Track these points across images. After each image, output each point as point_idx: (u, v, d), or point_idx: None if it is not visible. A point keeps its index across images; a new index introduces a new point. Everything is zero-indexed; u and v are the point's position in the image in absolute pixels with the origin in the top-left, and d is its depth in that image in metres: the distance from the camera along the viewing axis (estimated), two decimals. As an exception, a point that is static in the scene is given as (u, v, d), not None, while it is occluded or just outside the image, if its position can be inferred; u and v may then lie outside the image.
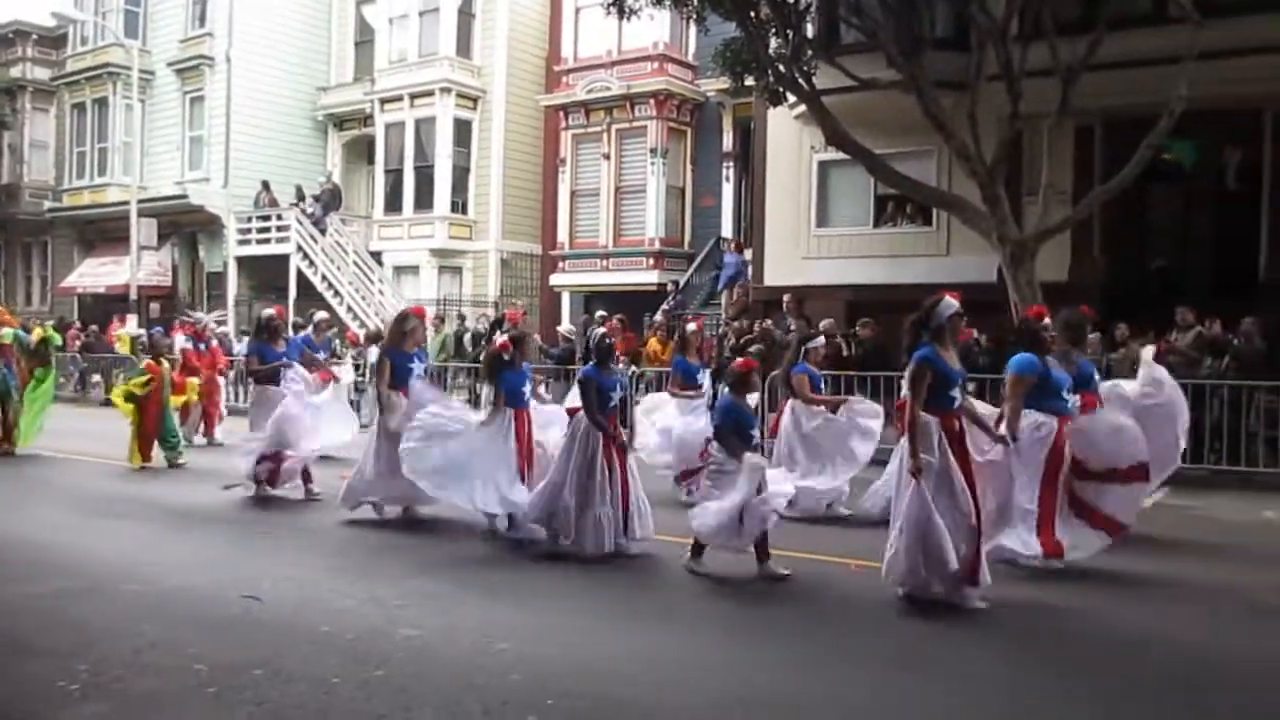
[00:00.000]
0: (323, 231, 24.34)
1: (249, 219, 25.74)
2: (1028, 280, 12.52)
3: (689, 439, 8.98)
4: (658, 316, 17.28)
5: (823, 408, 8.93)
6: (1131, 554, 6.97)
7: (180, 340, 14.40)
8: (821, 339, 9.39)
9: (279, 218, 24.93)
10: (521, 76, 25.07)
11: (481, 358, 9.68)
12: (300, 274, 24.09)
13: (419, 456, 7.57)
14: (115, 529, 8.24)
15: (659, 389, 14.09)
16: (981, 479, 6.01)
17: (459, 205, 24.81)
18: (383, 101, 25.24)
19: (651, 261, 22.03)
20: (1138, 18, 13.33)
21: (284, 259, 24.34)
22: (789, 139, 17.38)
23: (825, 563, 6.98)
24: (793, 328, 14.38)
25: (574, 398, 7.97)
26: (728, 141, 22.33)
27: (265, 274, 25.40)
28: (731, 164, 22.26)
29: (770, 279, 17.56)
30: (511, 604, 6.07)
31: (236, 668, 4.68)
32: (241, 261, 25.92)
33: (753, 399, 7.36)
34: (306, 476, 9.62)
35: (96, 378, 22.37)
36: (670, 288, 20.54)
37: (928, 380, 5.89)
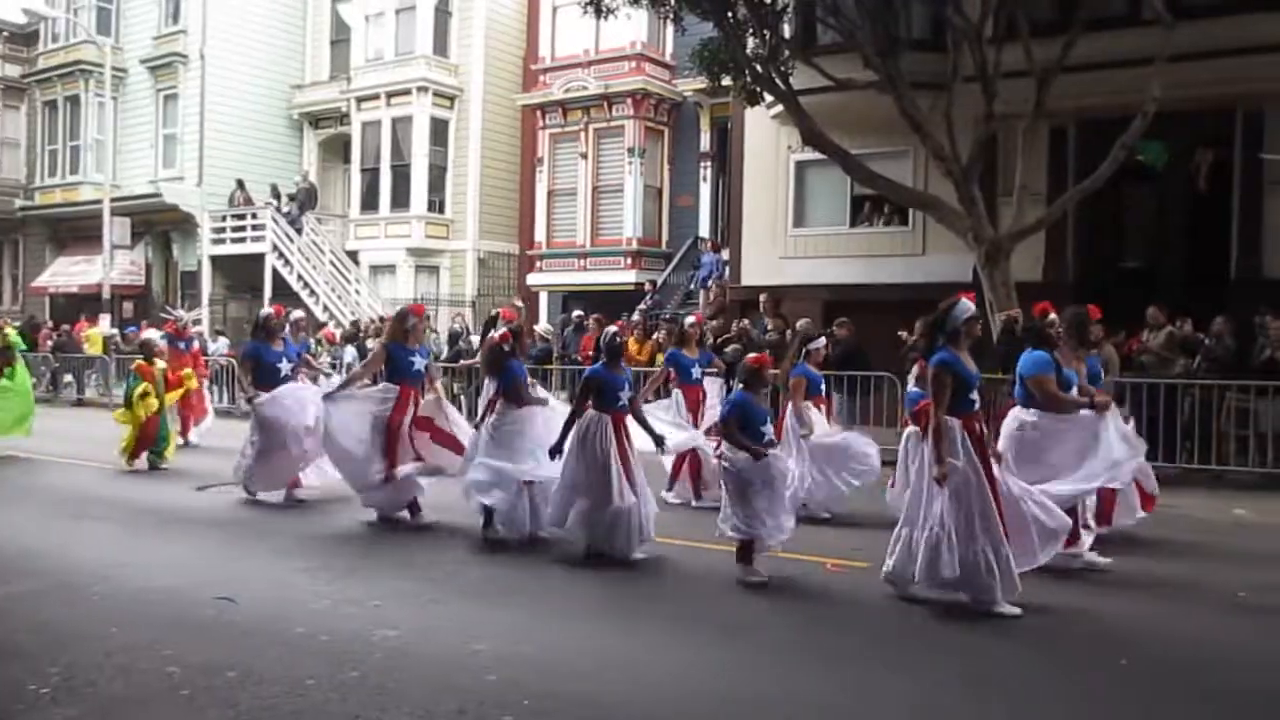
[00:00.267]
0: (299, 231, 24.19)
1: (223, 218, 25.55)
2: (1003, 280, 12.61)
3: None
4: (635, 316, 17.28)
5: (812, 421, 8.87)
6: (1105, 552, 7.03)
7: (154, 337, 14.23)
8: (822, 340, 9.28)
9: (254, 216, 24.75)
10: (499, 76, 25.02)
11: (479, 355, 9.64)
12: (276, 273, 23.93)
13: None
14: (87, 530, 8.15)
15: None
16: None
17: (436, 205, 24.74)
18: (359, 100, 25.13)
19: (629, 261, 22.05)
20: (1111, 20, 13.43)
21: (259, 258, 24.16)
22: (766, 139, 17.42)
23: (802, 562, 6.98)
24: (769, 327, 14.42)
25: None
26: (705, 141, 22.37)
27: (240, 273, 25.22)
28: (709, 164, 22.31)
29: (747, 279, 17.59)
30: (489, 604, 6.06)
31: (210, 670, 4.65)
32: (216, 261, 25.72)
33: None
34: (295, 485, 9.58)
35: (69, 378, 22.16)
36: (648, 287, 20.56)
37: (949, 384, 5.84)
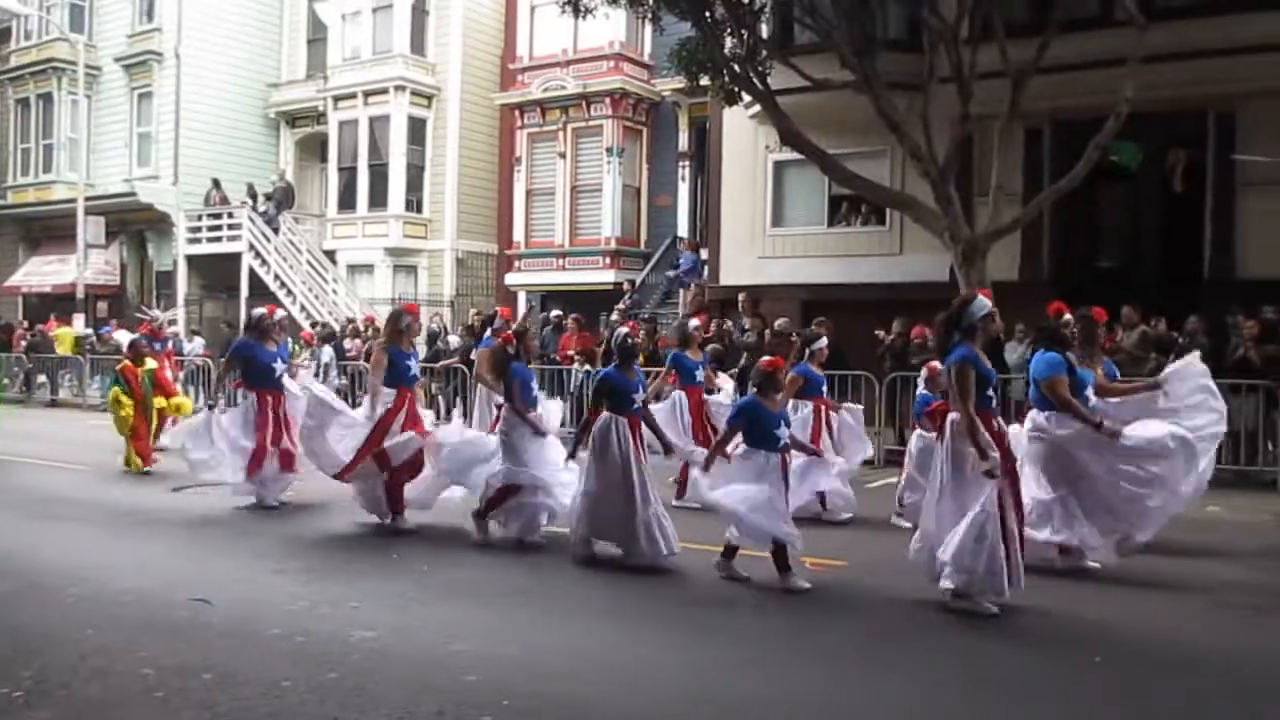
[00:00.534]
0: (275, 230, 24.03)
1: (199, 217, 25.32)
2: (979, 279, 12.68)
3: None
4: (614, 316, 17.28)
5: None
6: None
7: (127, 337, 14.11)
8: (824, 339, 9.13)
9: (230, 216, 24.57)
10: (476, 75, 24.94)
11: (474, 356, 9.53)
12: (252, 273, 23.76)
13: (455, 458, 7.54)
14: (61, 532, 8.06)
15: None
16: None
17: (414, 204, 24.65)
18: (336, 99, 25.00)
19: (608, 261, 22.03)
20: (1085, 21, 13.56)
21: (235, 258, 23.98)
22: (744, 139, 17.46)
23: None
24: (747, 327, 14.45)
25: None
26: (683, 141, 22.38)
27: (216, 273, 25.03)
28: (687, 163, 22.32)
29: (726, 278, 17.63)
30: (470, 604, 6.04)
31: (185, 672, 4.61)
32: (192, 260, 25.50)
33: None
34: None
35: (42, 379, 21.95)
36: (626, 287, 20.56)
37: (972, 378, 5.75)
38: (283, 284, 23.46)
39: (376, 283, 24.45)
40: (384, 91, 24.04)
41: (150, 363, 11.78)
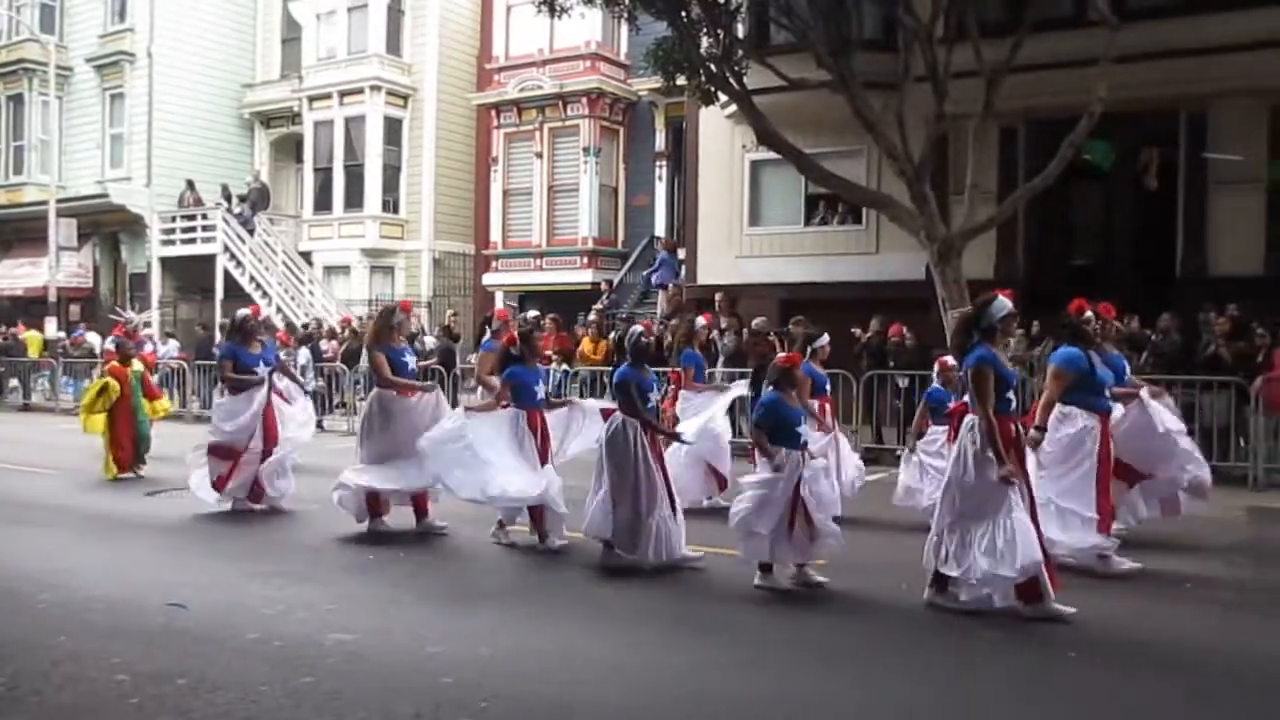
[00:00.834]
0: (251, 232, 23.87)
1: (173, 219, 25.13)
2: (955, 278, 12.77)
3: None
4: (591, 316, 17.27)
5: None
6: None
7: (106, 340, 13.95)
8: (825, 338, 9.02)
9: (204, 217, 24.39)
10: (453, 74, 24.87)
11: (473, 359, 9.45)
12: (228, 275, 23.60)
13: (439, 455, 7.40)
14: (33, 537, 7.98)
15: (594, 388, 14.12)
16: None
17: (390, 204, 24.55)
18: (311, 99, 24.86)
19: (585, 261, 22.03)
20: (1058, 21, 13.66)
21: (210, 260, 23.80)
22: (721, 138, 17.49)
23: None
24: (724, 326, 14.46)
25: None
26: (660, 141, 22.40)
27: (190, 275, 24.85)
28: (664, 163, 22.34)
29: (704, 278, 17.66)
30: (445, 606, 6.01)
31: (159, 677, 4.57)
32: (165, 262, 25.31)
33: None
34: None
35: (14, 382, 21.72)
36: (604, 287, 20.55)
37: (991, 382, 5.62)
38: (258, 286, 23.31)
39: (353, 284, 24.33)
40: (359, 92, 23.92)
41: (137, 364, 11.64)
